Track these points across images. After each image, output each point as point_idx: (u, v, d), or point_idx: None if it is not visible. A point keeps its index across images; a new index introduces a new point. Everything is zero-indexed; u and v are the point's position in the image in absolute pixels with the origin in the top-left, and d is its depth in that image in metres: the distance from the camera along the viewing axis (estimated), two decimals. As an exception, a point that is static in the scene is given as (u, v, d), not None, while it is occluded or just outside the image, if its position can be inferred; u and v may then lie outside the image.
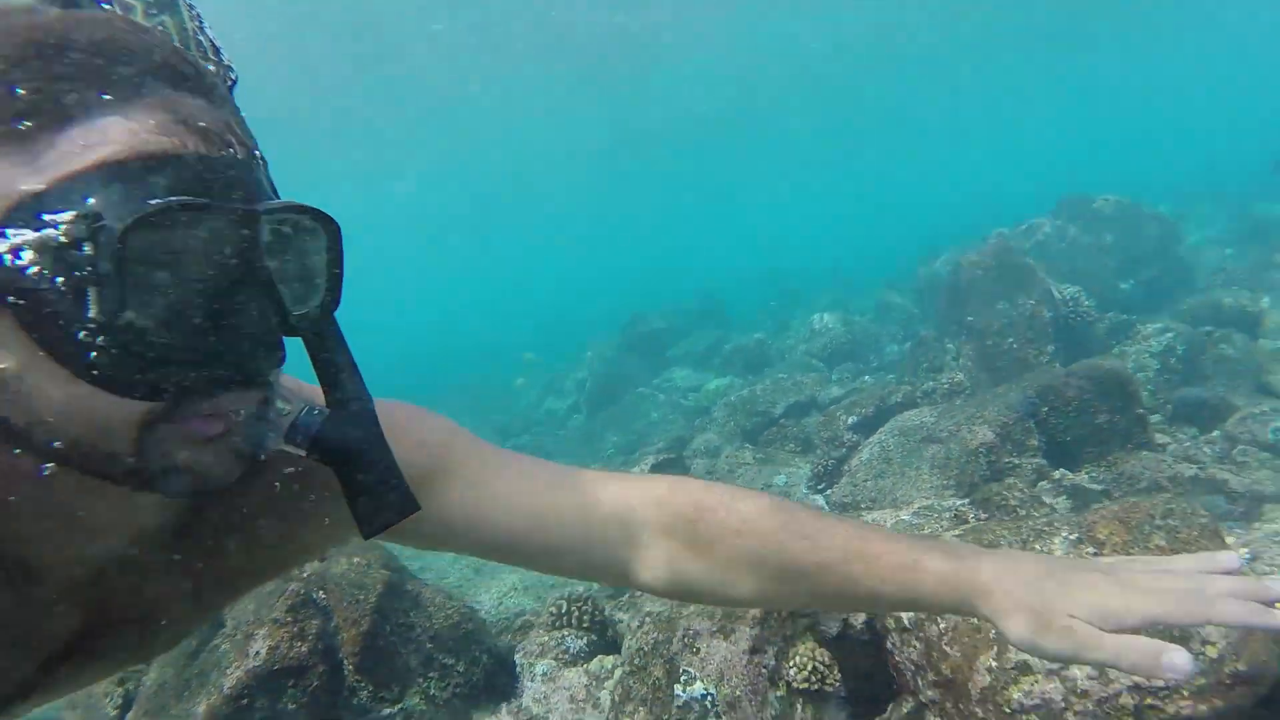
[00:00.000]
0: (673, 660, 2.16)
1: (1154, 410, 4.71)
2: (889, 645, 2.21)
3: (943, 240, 11.09)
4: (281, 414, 0.75)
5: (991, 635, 1.85)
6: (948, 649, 1.95)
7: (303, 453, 0.76)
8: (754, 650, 2.04)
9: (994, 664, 1.78)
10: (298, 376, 0.86)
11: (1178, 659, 0.70)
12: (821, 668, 2.05)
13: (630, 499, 1.05)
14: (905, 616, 2.15)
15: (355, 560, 3.28)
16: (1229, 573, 0.80)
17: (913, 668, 2.08)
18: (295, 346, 0.74)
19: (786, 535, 0.99)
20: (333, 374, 0.78)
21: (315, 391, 0.82)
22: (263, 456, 0.71)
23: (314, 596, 3.21)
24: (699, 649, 2.10)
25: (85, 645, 0.80)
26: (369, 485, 0.78)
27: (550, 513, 1.00)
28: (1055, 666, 1.70)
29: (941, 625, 2.00)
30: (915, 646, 2.08)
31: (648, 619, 2.47)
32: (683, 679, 2.06)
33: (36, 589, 0.72)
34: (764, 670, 2.01)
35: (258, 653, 2.91)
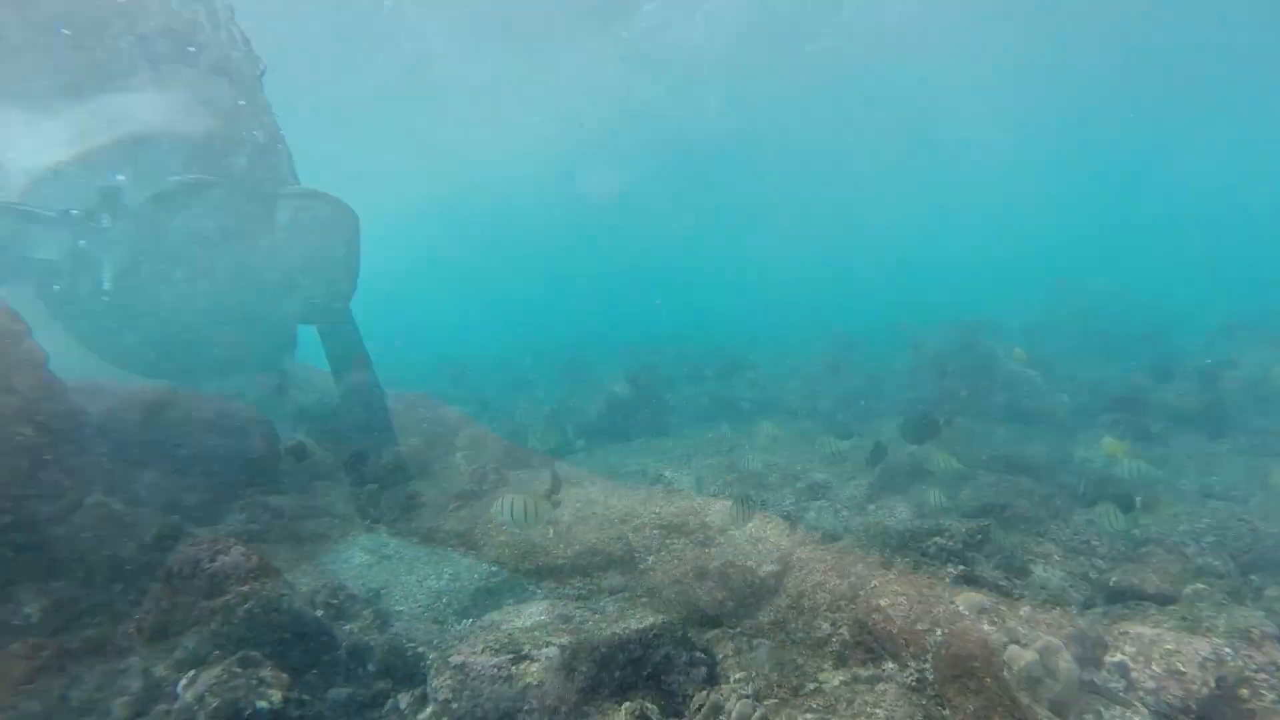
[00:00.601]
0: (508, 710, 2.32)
1: (1094, 501, 4.73)
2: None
3: (945, 313, 11.17)
4: (293, 401, 0.78)
5: None
6: None
7: (312, 440, 0.80)
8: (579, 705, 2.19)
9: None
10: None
11: None
12: (640, 723, 2.18)
13: (632, 512, 1.02)
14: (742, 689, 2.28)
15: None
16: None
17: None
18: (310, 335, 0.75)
19: None
20: (345, 364, 0.81)
21: (329, 380, 0.83)
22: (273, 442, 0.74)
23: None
24: (526, 700, 2.26)
25: None
26: (376, 476, 0.82)
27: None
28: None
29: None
30: None
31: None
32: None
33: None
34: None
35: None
